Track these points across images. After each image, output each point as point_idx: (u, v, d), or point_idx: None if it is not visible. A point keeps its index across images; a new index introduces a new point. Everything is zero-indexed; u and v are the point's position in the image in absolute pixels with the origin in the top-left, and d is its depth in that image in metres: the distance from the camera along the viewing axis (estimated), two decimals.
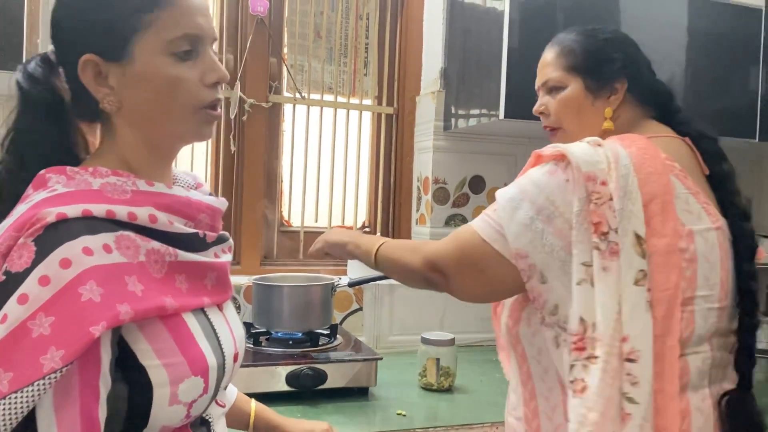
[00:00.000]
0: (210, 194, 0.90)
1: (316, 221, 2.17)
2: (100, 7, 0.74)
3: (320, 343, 1.66)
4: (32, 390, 0.60)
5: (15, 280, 0.63)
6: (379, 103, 2.24)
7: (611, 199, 0.92)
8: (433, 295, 2.06)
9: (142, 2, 0.73)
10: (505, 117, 1.71)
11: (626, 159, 0.95)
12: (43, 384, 0.60)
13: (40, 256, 0.64)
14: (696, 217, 0.97)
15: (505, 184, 2.06)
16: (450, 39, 2.06)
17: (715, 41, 1.92)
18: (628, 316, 0.90)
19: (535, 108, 1.19)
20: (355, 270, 2.04)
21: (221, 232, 0.86)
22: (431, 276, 1.06)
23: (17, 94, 0.78)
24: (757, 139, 1.94)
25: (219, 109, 0.80)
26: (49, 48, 0.80)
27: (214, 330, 0.79)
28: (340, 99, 2.18)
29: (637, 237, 0.92)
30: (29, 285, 0.63)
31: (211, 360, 0.75)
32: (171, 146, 0.82)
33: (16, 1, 1.37)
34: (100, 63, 0.74)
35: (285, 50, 2.12)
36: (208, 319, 0.79)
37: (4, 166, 0.77)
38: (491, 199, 2.13)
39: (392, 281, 1.98)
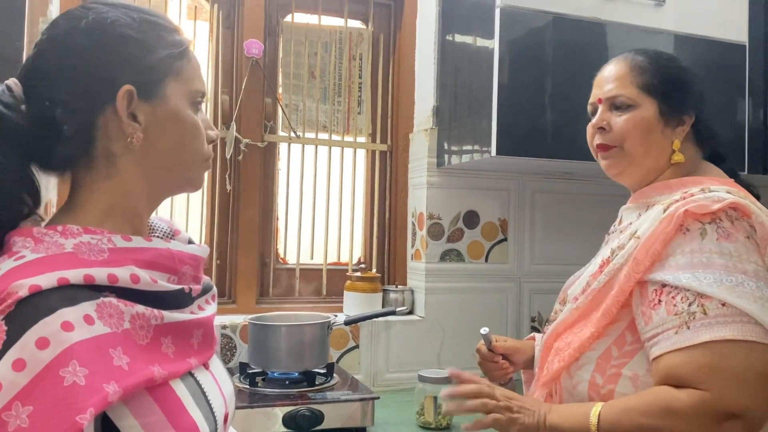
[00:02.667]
0: (190, 241, 0.86)
1: (312, 258, 2.17)
2: (143, 44, 0.73)
3: (317, 383, 1.65)
4: None
5: None
6: (373, 141, 2.26)
7: None
8: (430, 331, 2.06)
9: (176, 50, 0.76)
10: (497, 153, 1.73)
11: (762, 213, 0.92)
12: None
13: (12, 337, 0.57)
14: None
15: (500, 219, 2.14)
16: (442, 77, 2.10)
17: (701, 76, 1.95)
18: None
19: (595, 122, 1.11)
20: (351, 306, 2.04)
21: (205, 281, 0.82)
22: (724, 429, 0.86)
23: None
24: (746, 172, 1.96)
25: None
26: (11, 80, 0.74)
27: (204, 394, 0.73)
28: (335, 137, 2.21)
29: None
30: (2, 371, 0.56)
31: (204, 429, 0.69)
32: (168, 193, 0.82)
33: (15, 27, 1.37)
34: (135, 98, 0.72)
35: (280, 90, 2.15)
36: (197, 383, 0.73)
37: None
38: (485, 233, 2.18)
39: (388, 318, 1.99)
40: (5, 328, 0.57)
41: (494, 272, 2.16)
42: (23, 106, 0.72)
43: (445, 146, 2.06)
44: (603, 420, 0.91)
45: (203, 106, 0.82)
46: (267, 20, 2.12)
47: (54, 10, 1.74)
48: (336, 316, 1.89)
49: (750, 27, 2.00)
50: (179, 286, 0.75)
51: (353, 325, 1.93)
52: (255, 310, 1.98)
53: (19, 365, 0.56)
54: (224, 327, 1.85)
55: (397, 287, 2.14)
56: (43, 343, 0.57)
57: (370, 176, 2.27)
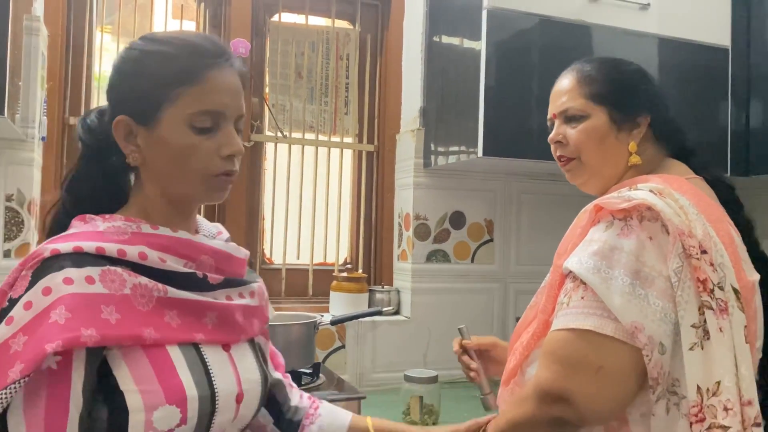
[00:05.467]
0: (227, 241, 0.97)
1: (298, 258, 2.17)
2: (141, 77, 0.84)
3: (303, 383, 1.65)
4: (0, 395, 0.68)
5: (11, 305, 0.73)
6: (360, 141, 2.26)
7: (704, 252, 0.87)
8: (416, 331, 2.06)
9: (173, 78, 0.83)
10: (483, 155, 1.74)
11: (692, 207, 0.90)
12: (7, 392, 0.68)
13: (30, 285, 0.73)
14: (750, 267, 0.95)
15: (486, 220, 2.15)
16: (428, 78, 2.11)
17: (685, 79, 1.98)
18: (747, 378, 0.84)
19: (552, 137, 1.13)
20: (337, 307, 2.04)
21: (242, 277, 0.93)
22: (555, 411, 0.89)
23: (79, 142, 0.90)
24: (728, 173, 1.98)
25: (232, 176, 0.87)
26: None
27: (205, 365, 0.82)
28: (322, 137, 2.20)
29: (735, 291, 0.88)
30: (17, 309, 0.72)
31: (191, 391, 0.78)
32: (184, 202, 0.89)
33: None
34: (132, 124, 0.84)
35: (267, 90, 2.14)
36: (200, 354, 0.83)
37: (62, 204, 0.89)
38: (471, 234, 2.19)
39: (375, 318, 1.99)
40: (29, 279, 0.74)
41: (480, 273, 2.17)
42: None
43: (432, 147, 2.06)
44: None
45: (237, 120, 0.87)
46: (254, 19, 2.11)
47: (39, 8, 1.73)
48: (322, 316, 1.89)
49: (733, 30, 2.02)
50: (190, 270, 0.85)
51: (339, 325, 1.93)
52: None
53: (28, 306, 0.72)
54: None
55: (383, 287, 2.14)
56: (47, 291, 0.73)
57: (356, 177, 2.27)
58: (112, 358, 0.75)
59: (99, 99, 1.95)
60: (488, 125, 1.74)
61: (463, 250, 2.15)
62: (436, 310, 2.09)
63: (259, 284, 0.98)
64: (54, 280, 0.73)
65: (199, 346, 0.83)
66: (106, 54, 1.97)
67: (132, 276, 0.78)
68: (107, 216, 0.84)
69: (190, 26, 2.06)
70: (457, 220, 2.14)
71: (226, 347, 0.87)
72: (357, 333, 2.01)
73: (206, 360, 0.82)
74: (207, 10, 2.05)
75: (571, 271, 0.92)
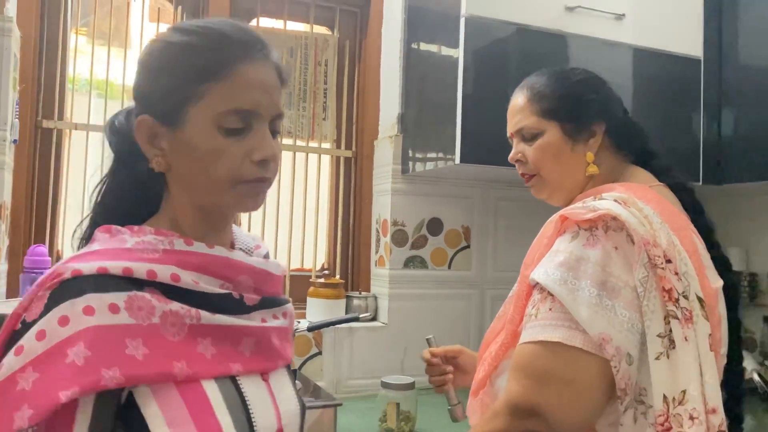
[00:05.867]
0: (266, 257, 0.87)
1: None
2: (163, 73, 0.75)
3: None
4: None
5: (24, 329, 0.65)
6: (338, 147, 2.26)
7: (669, 261, 0.87)
8: (393, 338, 2.06)
9: (198, 74, 0.73)
10: (461, 162, 1.75)
11: (656, 216, 0.91)
12: None
13: (46, 310, 0.65)
14: (713, 274, 0.95)
15: (463, 226, 2.15)
16: (407, 85, 2.11)
17: (658, 89, 2.01)
18: (712, 386, 0.85)
19: (511, 156, 1.14)
20: (315, 313, 2.03)
21: (275, 296, 0.83)
22: (527, 425, 0.88)
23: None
24: (701, 182, 2.02)
25: (266, 183, 0.77)
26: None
27: (244, 401, 0.74)
28: (299, 143, 2.20)
29: (700, 300, 0.88)
30: (28, 337, 0.64)
31: None
32: (216, 212, 0.79)
33: None
34: (155, 125, 0.75)
35: None
36: (238, 389, 0.74)
37: (93, 215, 0.80)
38: (449, 241, 2.20)
39: (352, 324, 1.99)
40: (46, 301, 0.65)
41: (457, 279, 2.18)
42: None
43: (410, 153, 2.07)
44: None
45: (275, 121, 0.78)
46: None
47: (11, 9, 1.70)
48: (299, 322, 1.88)
49: (705, 42, 2.06)
50: (226, 291, 0.76)
51: (316, 331, 1.91)
52: None
53: (41, 335, 0.63)
54: None
55: (360, 294, 2.14)
56: (63, 321, 0.63)
57: (334, 182, 2.26)
58: (139, 395, 0.66)
59: (73, 102, 1.92)
60: (466, 132, 1.75)
61: (440, 256, 2.15)
62: (413, 317, 2.09)
63: (290, 304, 0.89)
64: (73, 308, 0.64)
65: (237, 378, 0.74)
66: (81, 56, 1.95)
67: (162, 302, 0.69)
68: (136, 228, 0.74)
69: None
70: (435, 226, 2.15)
71: (265, 376, 0.79)
72: (334, 339, 2.00)
73: (245, 395, 0.74)
74: (184, 12, 2.04)
75: (537, 283, 0.92)
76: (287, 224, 2.17)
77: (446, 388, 1.29)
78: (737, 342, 1.00)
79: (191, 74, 0.73)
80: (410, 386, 1.64)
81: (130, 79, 0.93)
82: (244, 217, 2.11)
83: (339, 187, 2.25)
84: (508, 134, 1.16)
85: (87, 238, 0.78)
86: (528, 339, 0.90)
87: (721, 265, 1.00)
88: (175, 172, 0.76)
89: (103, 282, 0.66)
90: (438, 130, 1.90)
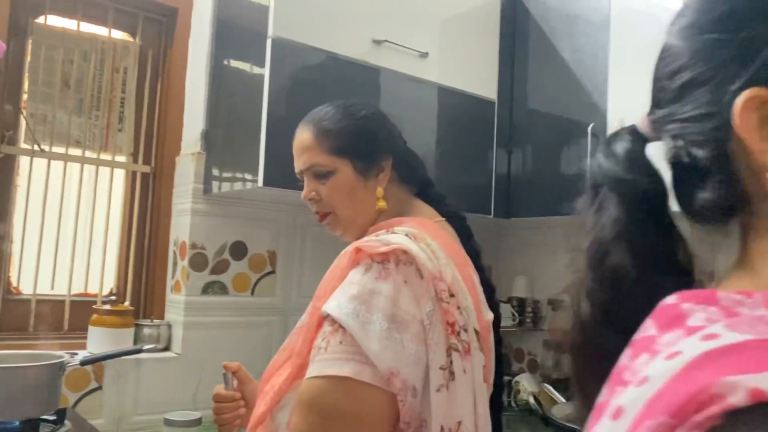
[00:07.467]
0: None
1: (53, 288, 1.92)
2: None
3: None
4: None
5: None
6: (135, 161, 2.09)
7: (453, 295, 0.88)
8: (187, 369, 1.92)
9: None
10: (264, 185, 1.69)
11: (441, 252, 0.92)
12: None
13: None
14: (485, 307, 0.99)
15: (269, 251, 2.09)
16: (213, 101, 2.01)
17: (458, 126, 2.13)
18: (483, 416, 0.87)
19: (304, 195, 1.12)
20: (97, 343, 1.83)
21: None
22: None
23: (599, 184, 0.53)
24: (492, 215, 2.16)
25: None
26: (643, 117, 0.52)
27: None
28: (90, 154, 2.00)
29: (476, 332, 0.90)
30: None
31: None
32: None
33: None
34: None
35: (25, 98, 1.90)
36: None
37: (580, 288, 0.51)
38: (253, 266, 2.11)
39: (140, 355, 1.82)
40: None
41: (260, 306, 2.10)
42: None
43: (214, 172, 1.97)
44: None
45: None
46: (13, 17, 1.87)
47: None
48: (77, 354, 1.69)
49: (499, 85, 2.23)
50: None
51: (97, 364, 1.73)
52: None
53: None
54: None
55: (152, 322, 1.98)
56: None
57: (129, 199, 2.08)
58: None
59: None
60: (270, 155, 1.69)
61: (242, 281, 2.06)
62: (210, 346, 1.97)
63: None
64: None
65: None
66: None
67: None
68: (760, 296, 0.41)
69: None
70: (238, 250, 2.06)
71: None
72: (117, 372, 1.82)
73: None
74: None
75: (329, 315, 0.90)
76: (70, 243, 1.95)
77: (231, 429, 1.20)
78: (499, 359, 1.05)
79: None
80: (196, 422, 1.53)
81: None
82: (18, 232, 1.86)
83: (134, 205, 2.08)
84: (297, 171, 1.13)
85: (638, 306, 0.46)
86: (316, 373, 0.87)
87: (486, 286, 1.05)
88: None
89: None
90: (243, 150, 1.83)
